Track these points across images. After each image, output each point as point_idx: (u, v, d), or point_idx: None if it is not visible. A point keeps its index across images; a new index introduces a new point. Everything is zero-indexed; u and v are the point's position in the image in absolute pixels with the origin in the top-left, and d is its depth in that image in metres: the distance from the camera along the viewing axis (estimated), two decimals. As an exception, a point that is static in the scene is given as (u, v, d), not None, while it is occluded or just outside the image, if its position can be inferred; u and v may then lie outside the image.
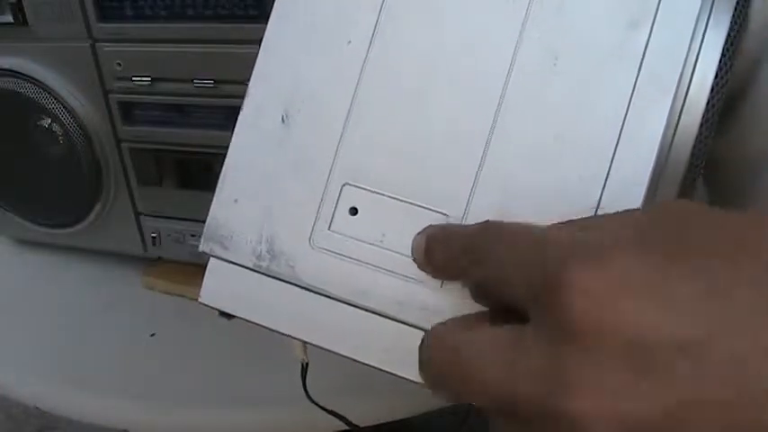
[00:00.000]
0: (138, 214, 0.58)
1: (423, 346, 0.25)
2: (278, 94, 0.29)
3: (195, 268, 0.59)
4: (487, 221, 0.25)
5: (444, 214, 0.27)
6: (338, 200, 0.28)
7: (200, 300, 0.30)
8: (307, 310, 0.28)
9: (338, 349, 0.28)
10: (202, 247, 0.29)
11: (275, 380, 0.49)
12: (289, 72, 0.29)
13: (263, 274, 0.28)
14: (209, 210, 0.30)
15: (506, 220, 0.25)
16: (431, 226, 0.27)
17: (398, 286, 0.27)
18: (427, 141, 0.27)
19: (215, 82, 0.49)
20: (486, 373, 0.21)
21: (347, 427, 0.45)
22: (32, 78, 0.54)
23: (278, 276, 0.28)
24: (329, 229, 0.28)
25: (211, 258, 0.29)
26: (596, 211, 0.26)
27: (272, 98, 0.29)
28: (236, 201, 0.29)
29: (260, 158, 0.29)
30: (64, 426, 1.22)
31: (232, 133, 0.50)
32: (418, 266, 0.27)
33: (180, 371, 0.52)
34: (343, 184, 0.28)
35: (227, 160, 0.29)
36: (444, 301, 0.27)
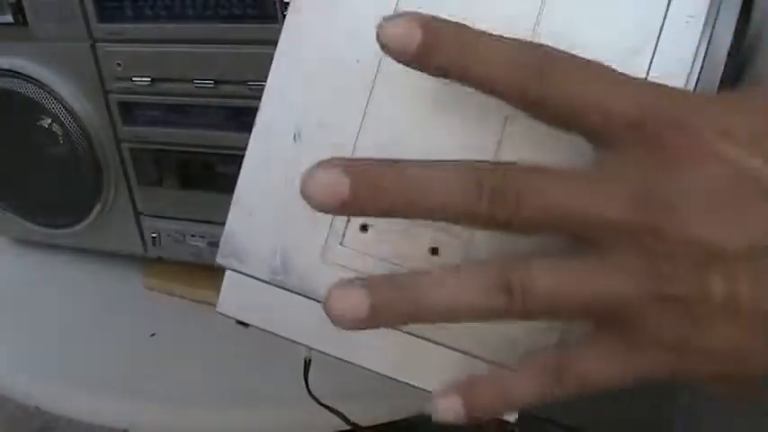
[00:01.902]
0: (138, 214, 0.58)
1: (494, 197, 0.22)
2: (290, 112, 0.29)
3: (195, 268, 0.60)
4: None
5: (451, 231, 0.27)
6: (350, 217, 0.28)
7: (217, 309, 0.31)
8: (320, 320, 0.28)
9: (353, 359, 0.29)
10: (219, 260, 0.30)
11: (275, 380, 0.49)
12: (300, 90, 0.29)
13: (277, 286, 0.29)
14: (226, 220, 0.30)
15: (513, 238, 0.25)
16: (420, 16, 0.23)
17: None
18: (435, 158, 0.28)
19: (215, 82, 0.49)
20: (581, 200, 0.21)
21: (347, 427, 0.45)
22: (32, 78, 0.54)
23: (292, 289, 0.29)
24: (341, 245, 0.29)
25: (228, 270, 0.30)
26: None
27: (283, 116, 0.29)
28: (250, 214, 0.30)
29: (273, 174, 0.29)
30: (64, 426, 1.22)
31: (231, 133, 0.50)
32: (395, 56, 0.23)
33: (180, 371, 0.52)
34: None
35: (241, 173, 0.30)
36: None
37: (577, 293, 0.21)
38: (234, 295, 0.30)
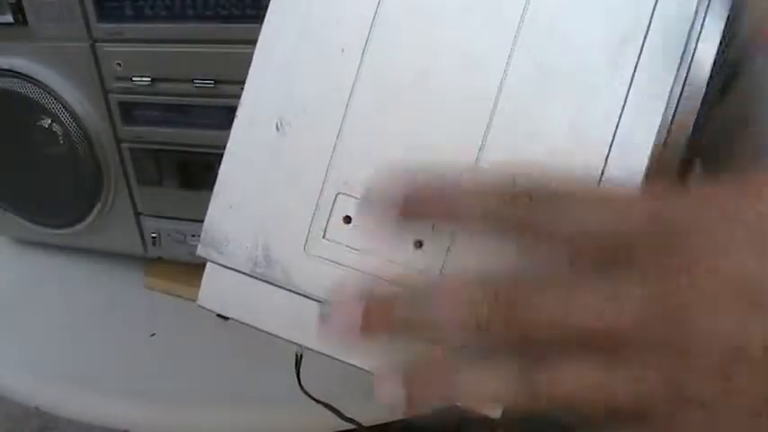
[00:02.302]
0: (138, 214, 0.58)
1: (477, 305, 0.22)
2: (272, 102, 0.29)
3: (195, 268, 0.59)
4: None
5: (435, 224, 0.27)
6: (332, 209, 0.28)
7: (198, 303, 0.30)
8: (302, 314, 0.29)
9: (334, 354, 0.28)
10: (199, 251, 0.30)
11: (275, 379, 0.49)
12: (282, 80, 0.29)
13: (259, 279, 0.29)
14: (206, 214, 0.30)
15: None
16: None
17: None
18: (419, 152, 0.27)
19: (215, 82, 0.49)
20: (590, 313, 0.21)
21: (346, 427, 0.45)
22: (32, 78, 0.53)
23: (274, 282, 0.29)
24: (324, 238, 0.28)
25: (209, 263, 0.30)
26: None
27: (266, 106, 0.29)
28: (231, 206, 0.29)
29: (255, 165, 0.29)
30: (64, 426, 1.22)
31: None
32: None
33: (180, 371, 0.52)
34: (337, 194, 0.28)
35: (222, 166, 0.30)
36: None
37: (600, 397, 0.22)
38: (214, 288, 0.30)
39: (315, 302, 0.28)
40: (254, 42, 0.50)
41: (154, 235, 0.58)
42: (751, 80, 0.32)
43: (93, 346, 0.55)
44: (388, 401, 0.23)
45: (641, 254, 0.21)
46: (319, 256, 0.28)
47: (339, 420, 0.44)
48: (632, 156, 0.26)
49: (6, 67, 0.54)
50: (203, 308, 0.30)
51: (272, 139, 0.29)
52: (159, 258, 0.60)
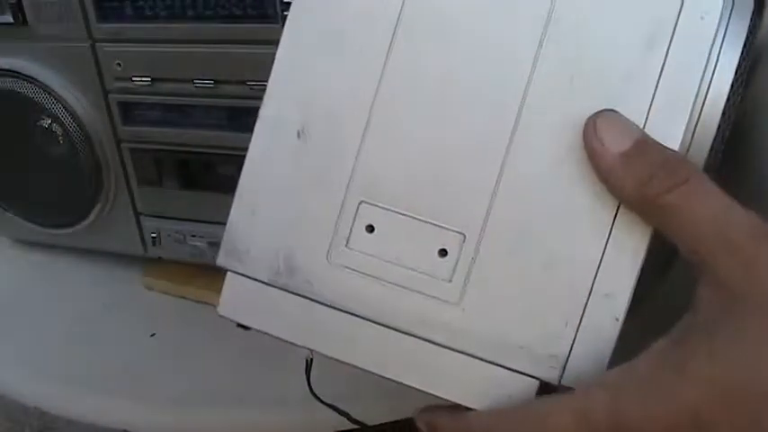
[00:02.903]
0: (138, 214, 0.58)
1: None
2: (294, 108, 0.28)
3: (195, 268, 0.60)
4: None
5: (461, 233, 0.27)
6: (355, 217, 0.28)
7: (218, 312, 0.30)
8: (325, 324, 0.28)
9: (358, 363, 0.28)
10: (220, 261, 0.29)
11: (275, 380, 0.49)
12: (304, 85, 0.28)
13: (280, 289, 0.29)
14: (226, 221, 0.30)
15: (524, 239, 0.26)
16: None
17: (419, 304, 0.27)
18: (443, 159, 0.27)
19: (215, 82, 0.49)
20: None
21: (348, 427, 0.45)
22: (32, 78, 0.53)
23: (296, 292, 0.29)
24: (347, 246, 0.28)
25: (229, 272, 0.30)
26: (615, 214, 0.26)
27: (287, 111, 0.28)
28: (253, 213, 0.29)
29: (276, 172, 0.29)
30: (64, 426, 1.22)
31: (231, 133, 0.50)
32: None
33: (180, 371, 0.52)
34: (360, 202, 0.28)
35: (243, 172, 0.29)
36: (466, 321, 0.27)
37: None
38: (235, 298, 0.30)
39: (338, 312, 0.28)
40: (254, 42, 0.50)
41: (154, 235, 0.58)
42: None
43: (93, 346, 0.55)
44: None
45: None
46: (342, 265, 0.28)
47: (342, 421, 0.44)
48: None
49: (6, 67, 0.54)
50: (224, 317, 0.30)
51: (295, 146, 0.28)
52: (159, 258, 0.60)
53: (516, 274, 0.27)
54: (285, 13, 0.45)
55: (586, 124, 0.26)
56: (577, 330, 0.26)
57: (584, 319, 0.26)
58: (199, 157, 0.53)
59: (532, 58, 0.26)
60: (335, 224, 0.28)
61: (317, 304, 0.28)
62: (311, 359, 0.33)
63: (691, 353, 0.23)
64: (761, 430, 0.21)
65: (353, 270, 0.28)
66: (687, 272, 0.25)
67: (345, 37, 0.28)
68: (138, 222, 0.58)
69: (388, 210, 0.28)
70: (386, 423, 0.46)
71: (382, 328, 0.28)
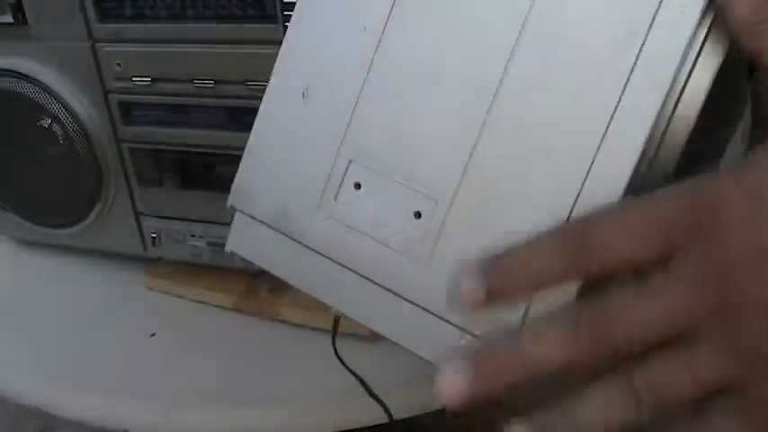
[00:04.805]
0: (138, 214, 0.58)
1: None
2: (301, 70, 0.31)
3: (195, 268, 0.60)
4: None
5: (434, 199, 0.29)
6: (345, 174, 0.30)
7: (226, 248, 0.33)
8: (313, 268, 0.31)
9: (337, 306, 0.31)
10: (230, 201, 0.33)
11: (275, 380, 0.49)
12: (312, 50, 0.31)
13: (280, 232, 0.32)
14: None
15: (489, 211, 0.28)
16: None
17: (392, 260, 0.30)
18: (425, 130, 0.29)
19: (215, 82, 0.49)
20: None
21: (348, 427, 0.45)
22: (32, 78, 0.53)
23: (290, 236, 0.31)
24: (335, 200, 0.31)
25: (237, 212, 0.33)
26: (568, 218, 0.27)
27: (296, 73, 0.31)
28: (260, 163, 0.32)
29: (282, 127, 0.31)
30: (64, 426, 1.22)
31: (231, 133, 0.51)
32: None
33: (180, 371, 0.52)
34: (350, 161, 0.30)
35: (255, 124, 0.32)
36: (431, 280, 0.29)
37: (693, 387, 0.24)
38: (242, 236, 0.33)
39: (329, 261, 0.31)
40: (254, 42, 0.50)
41: (154, 235, 0.58)
42: None
43: (93, 346, 0.55)
44: (455, 394, 0.25)
45: (685, 244, 0.24)
46: (330, 217, 0.31)
47: (339, 420, 0.44)
48: (617, 161, 0.27)
49: (6, 67, 0.54)
50: (232, 252, 0.33)
51: (299, 104, 0.31)
52: (159, 258, 0.60)
53: (479, 244, 0.28)
54: (285, 12, 0.45)
55: None
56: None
57: None
58: (199, 157, 0.53)
59: (512, 45, 0.28)
60: (327, 178, 0.31)
61: (307, 249, 0.31)
62: (339, 318, 0.36)
63: None
64: None
65: (338, 221, 0.31)
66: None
67: (351, 9, 0.30)
68: (138, 222, 0.58)
69: (373, 170, 0.30)
70: (386, 423, 0.46)
71: (360, 277, 0.30)
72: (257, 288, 0.57)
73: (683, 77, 0.27)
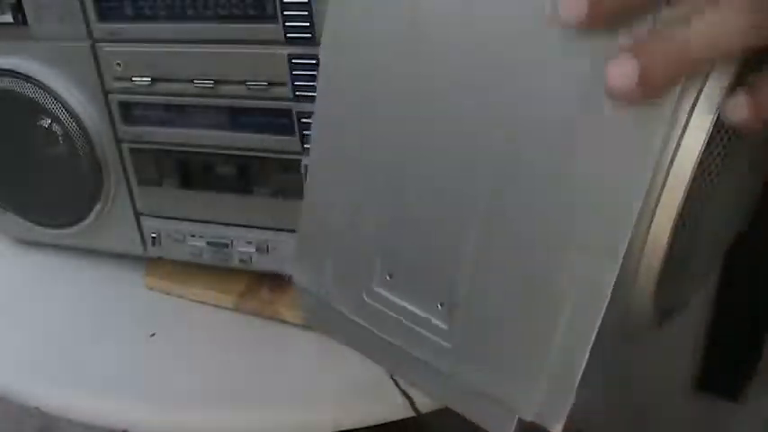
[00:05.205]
0: (138, 214, 0.58)
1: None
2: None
3: (195, 268, 0.60)
4: None
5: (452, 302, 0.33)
6: (379, 269, 0.35)
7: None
8: (359, 334, 0.37)
9: (382, 365, 0.39)
10: (289, 270, 0.39)
11: (275, 380, 0.49)
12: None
13: (328, 304, 0.37)
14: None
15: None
16: None
17: (421, 339, 0.35)
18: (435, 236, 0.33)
19: (215, 82, 0.49)
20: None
21: (347, 427, 0.45)
22: (32, 78, 0.54)
23: (339, 310, 0.37)
24: (372, 286, 0.36)
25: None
26: None
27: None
28: (310, 241, 0.38)
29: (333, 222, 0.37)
30: (64, 426, 1.22)
31: (231, 133, 0.51)
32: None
33: (180, 371, 0.52)
34: (381, 259, 0.35)
35: (303, 213, 0.38)
36: (456, 362, 0.33)
37: None
38: (309, 307, 0.40)
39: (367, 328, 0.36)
40: (254, 42, 0.50)
41: (154, 235, 0.58)
42: None
43: (93, 346, 0.55)
44: (621, 83, 0.24)
45: None
46: (369, 299, 0.36)
47: (339, 420, 0.44)
48: None
49: (6, 67, 0.54)
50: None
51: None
52: (159, 258, 0.60)
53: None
54: (285, 13, 0.45)
55: None
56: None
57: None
58: (199, 157, 0.53)
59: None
60: (366, 271, 0.36)
61: (354, 321, 0.37)
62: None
63: None
64: None
65: (374, 303, 0.36)
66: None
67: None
68: (138, 222, 0.58)
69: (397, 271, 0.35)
70: (386, 423, 0.46)
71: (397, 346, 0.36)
72: (257, 288, 0.57)
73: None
